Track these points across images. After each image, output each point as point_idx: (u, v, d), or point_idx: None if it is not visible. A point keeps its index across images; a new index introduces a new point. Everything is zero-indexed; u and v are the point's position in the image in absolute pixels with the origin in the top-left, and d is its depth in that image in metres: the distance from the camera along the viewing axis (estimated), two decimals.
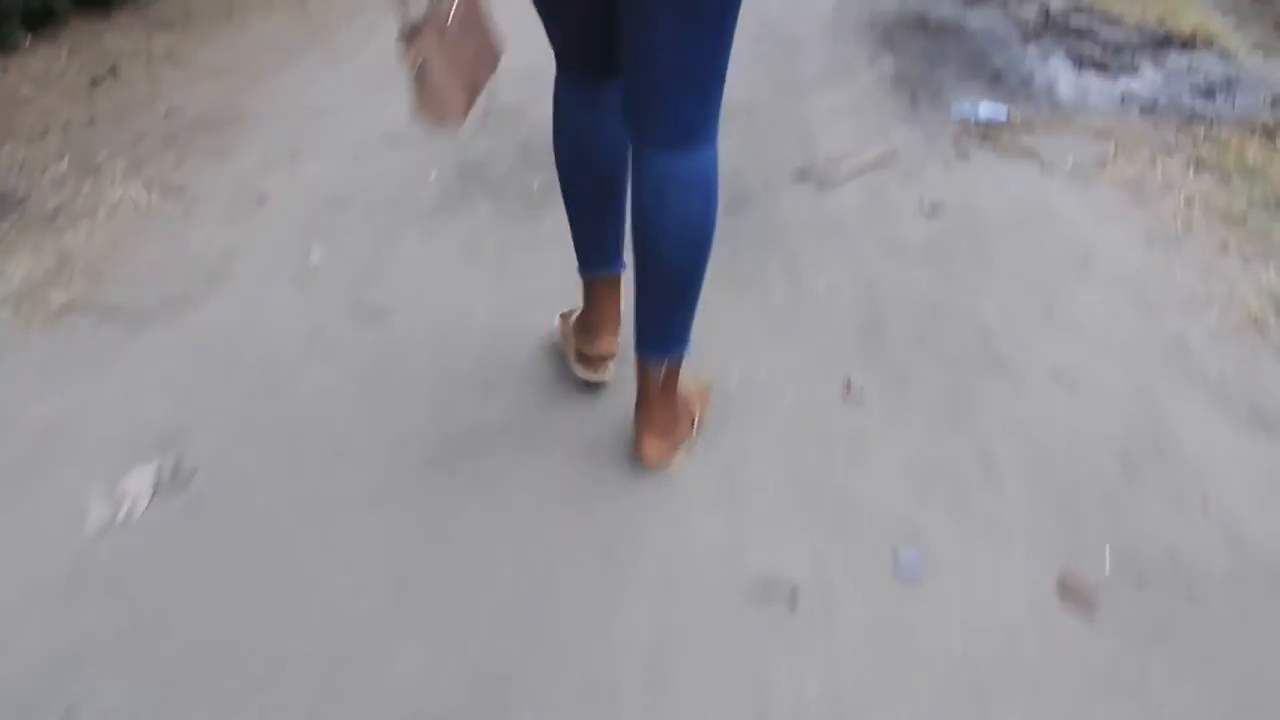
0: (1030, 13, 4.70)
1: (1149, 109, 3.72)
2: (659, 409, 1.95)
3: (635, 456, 1.99)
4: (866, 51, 4.22)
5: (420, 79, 1.55)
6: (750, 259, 2.76)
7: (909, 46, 4.27)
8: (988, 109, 3.59)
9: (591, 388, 2.27)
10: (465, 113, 1.63)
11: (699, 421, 2.10)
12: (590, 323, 2.16)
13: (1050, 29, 4.48)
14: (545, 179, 3.25)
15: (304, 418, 2.23)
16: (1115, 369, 2.34)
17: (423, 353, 2.45)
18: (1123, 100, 3.78)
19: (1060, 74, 3.99)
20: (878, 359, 2.35)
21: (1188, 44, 4.39)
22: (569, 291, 2.55)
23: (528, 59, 4.01)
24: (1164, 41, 4.41)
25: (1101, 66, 4.08)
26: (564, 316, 2.39)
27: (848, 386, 2.24)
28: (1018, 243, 2.83)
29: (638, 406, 1.97)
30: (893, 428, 2.15)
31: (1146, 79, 3.99)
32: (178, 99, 4.20)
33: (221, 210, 3.21)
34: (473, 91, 1.66)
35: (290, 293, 2.74)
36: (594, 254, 2.09)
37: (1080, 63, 4.12)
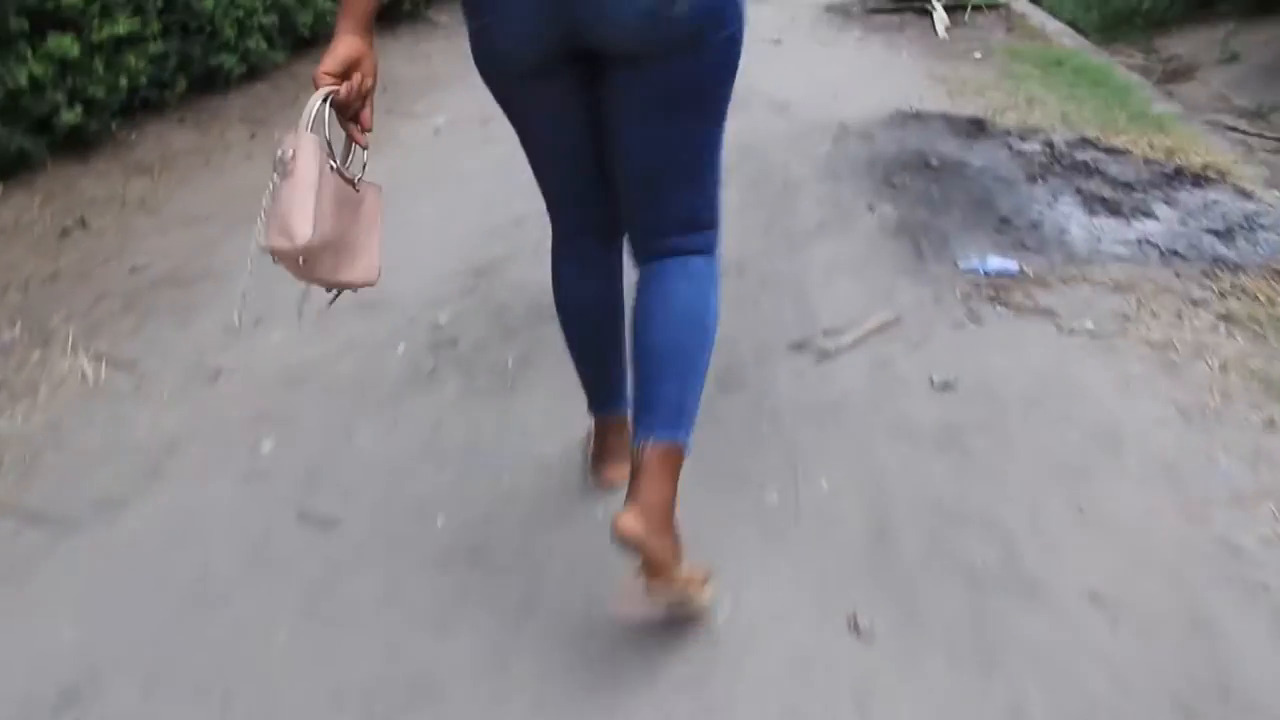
0: (1034, 147, 4.48)
1: (1168, 255, 3.47)
2: (648, 489, 1.70)
3: (616, 530, 1.62)
4: (866, 195, 3.99)
5: (283, 184, 1.57)
6: (742, 450, 2.47)
7: (911, 189, 4.04)
8: (997, 262, 3.33)
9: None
10: (304, 254, 1.57)
11: (696, 587, 1.83)
12: (600, 455, 2.27)
13: (1056, 165, 4.26)
14: (521, 351, 2.99)
15: (234, 654, 1.93)
16: (1161, 586, 2.03)
17: (375, 571, 2.16)
18: (1139, 245, 3.53)
19: (1071, 217, 3.74)
20: (889, 581, 2.04)
21: (1200, 179, 4.16)
22: (541, 496, 2.28)
23: (504, 215, 3.82)
24: (1175, 177, 4.18)
25: (1113, 207, 3.84)
26: (588, 436, 2.37)
27: (854, 623, 1.93)
28: (1039, 423, 2.54)
29: (631, 483, 1.72)
30: (908, 672, 1.83)
31: (1162, 220, 3.74)
32: (146, 252, 4.00)
33: (172, 388, 2.95)
34: (326, 261, 1.65)
35: (235, 492, 2.46)
36: (599, 395, 2.20)
37: (1090, 203, 3.88)
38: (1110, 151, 4.46)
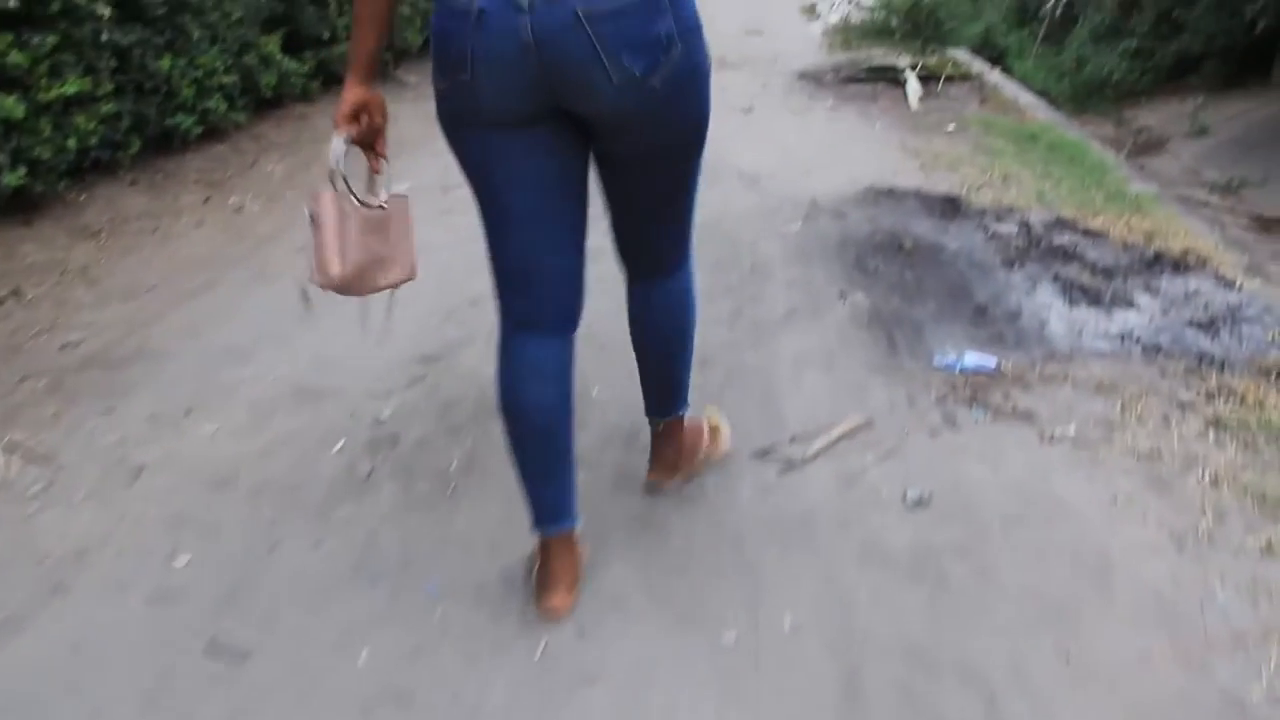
0: (1011, 228, 4.32)
1: (1151, 351, 3.28)
2: (667, 450, 2.42)
3: (647, 479, 2.48)
4: (838, 281, 3.80)
5: (314, 233, 1.86)
6: (699, 578, 2.24)
7: (884, 274, 3.85)
8: (974, 358, 3.14)
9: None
10: (331, 278, 1.87)
11: (704, 456, 2.56)
12: (544, 581, 2.08)
13: (1033, 249, 4.09)
14: (465, 452, 2.76)
15: None
16: None
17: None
18: (1122, 340, 3.35)
19: (1050, 308, 3.56)
20: None
21: (1180, 265, 4.00)
22: (478, 628, 2.05)
23: (460, 294, 3.60)
24: (1155, 262, 4.02)
25: (1093, 296, 3.66)
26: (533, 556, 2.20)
27: None
28: (1021, 548, 2.32)
29: (653, 446, 2.45)
30: None
31: (1143, 310, 3.57)
32: (80, 326, 3.75)
33: (88, 487, 2.70)
34: (364, 278, 1.92)
35: (141, 615, 2.21)
36: (544, 502, 2.04)
37: (1070, 291, 3.70)
38: (1088, 234, 4.30)
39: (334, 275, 1.87)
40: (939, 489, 2.51)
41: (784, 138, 5.94)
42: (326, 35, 7.11)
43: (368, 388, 3.17)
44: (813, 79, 7.88)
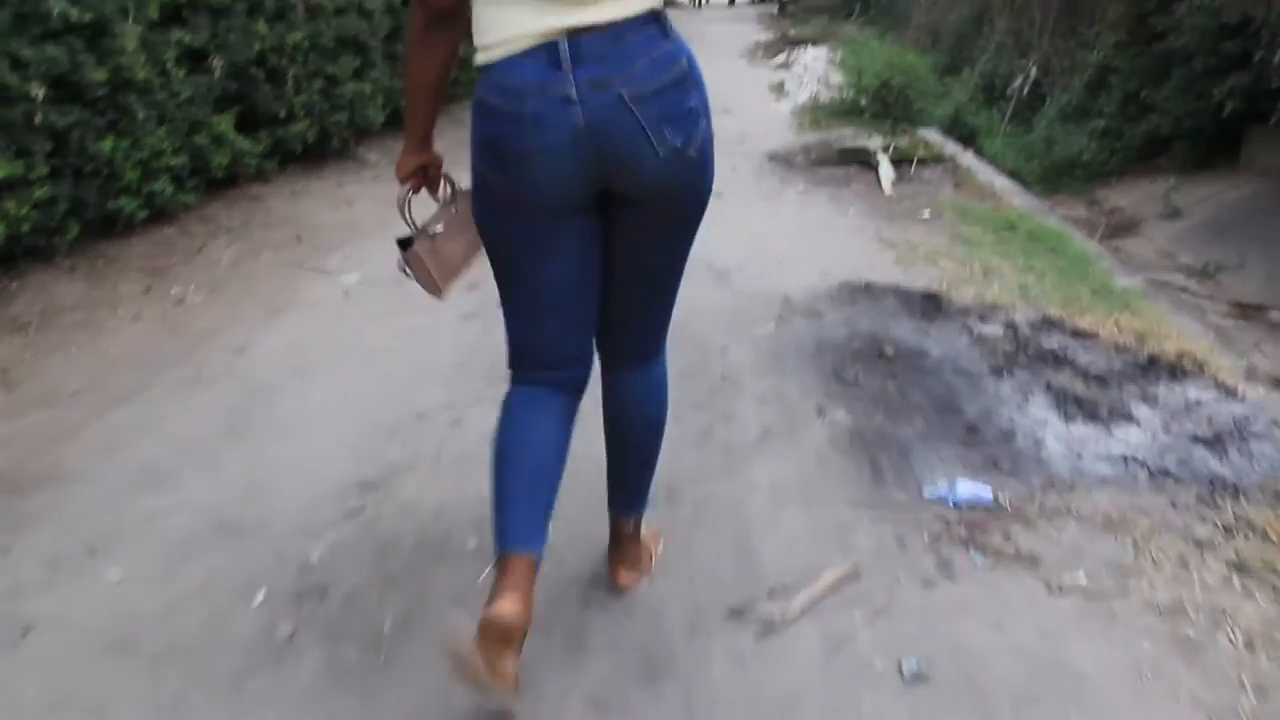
0: (996, 330, 4.04)
1: (1158, 475, 2.99)
2: (629, 550, 2.40)
3: (612, 583, 2.42)
4: (815, 394, 3.49)
5: (416, 271, 2.16)
6: None
7: (865, 386, 3.55)
8: (968, 489, 2.83)
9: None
10: (447, 289, 2.20)
11: (656, 556, 2.53)
12: (499, 590, 1.79)
13: (1022, 354, 3.81)
14: (401, 610, 2.41)
15: None
16: None
17: None
18: (1126, 463, 3.05)
19: (1045, 425, 3.27)
20: None
21: (1176, 370, 3.73)
22: None
23: (406, 406, 3.27)
24: (1150, 368, 3.75)
25: (1090, 410, 3.38)
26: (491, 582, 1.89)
27: None
28: None
29: (611, 549, 2.43)
30: None
31: (1144, 426, 3.29)
32: None
33: None
34: (457, 272, 2.22)
35: None
36: (515, 526, 1.91)
37: (1064, 404, 3.42)
38: (1077, 335, 4.03)
39: (443, 295, 2.22)
40: (938, 657, 2.18)
41: (755, 226, 5.67)
42: (282, 113, 6.81)
43: (298, 521, 2.82)
44: (783, 161, 7.64)
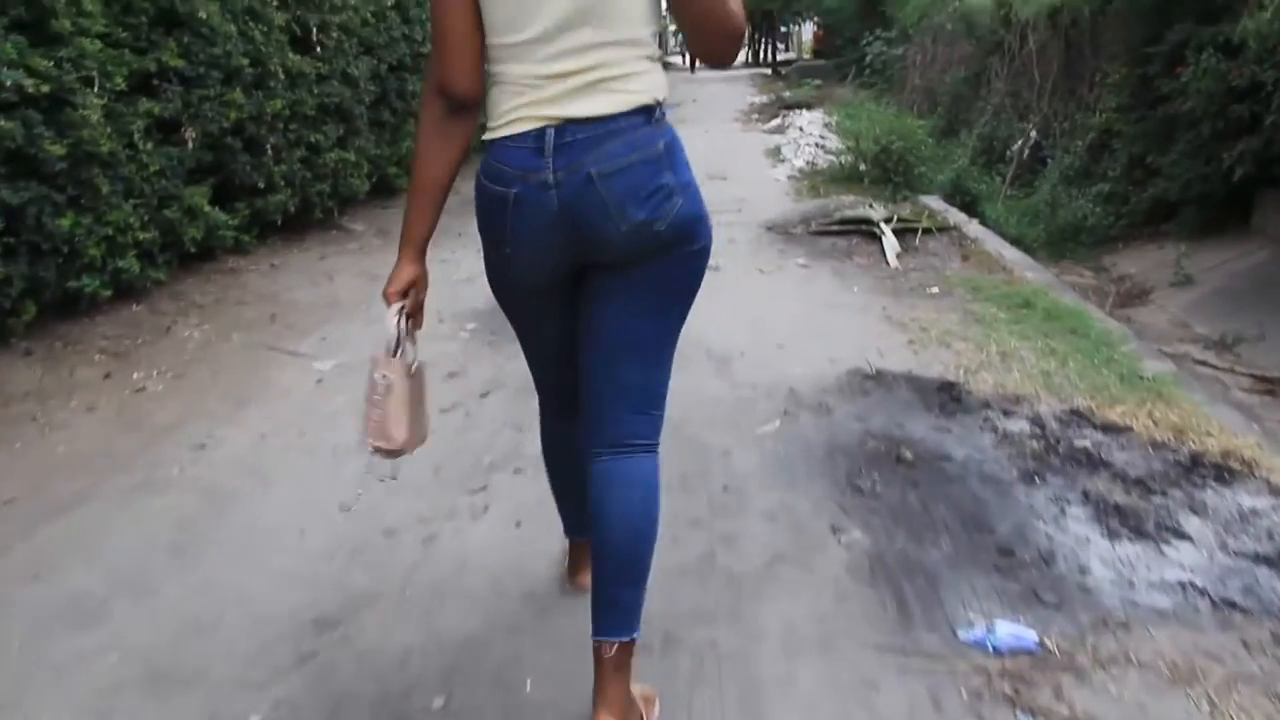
0: (1022, 426, 3.67)
1: (1223, 606, 2.61)
2: (613, 688, 2.02)
3: None
4: (829, 510, 3.10)
5: (379, 406, 2.01)
6: None
7: (883, 497, 3.17)
8: (1008, 631, 2.44)
9: None
10: (400, 450, 2.05)
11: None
12: (577, 565, 2.64)
13: (1053, 455, 3.44)
14: None
15: None
16: None
17: None
18: (1183, 591, 2.67)
19: (1088, 544, 2.90)
20: None
21: (1224, 472, 3.37)
22: None
23: (374, 521, 2.90)
24: (1193, 468, 3.39)
25: (1135, 523, 3.01)
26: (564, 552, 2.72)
27: None
28: None
29: (596, 687, 2.03)
30: None
31: (1198, 543, 2.92)
32: None
33: None
34: (411, 438, 2.07)
35: None
36: (574, 524, 2.57)
37: (1105, 516, 3.05)
38: (1109, 430, 3.67)
39: (399, 441, 2.02)
40: None
41: (755, 305, 5.33)
42: (262, 184, 6.49)
43: (241, 669, 2.43)
44: (782, 231, 7.32)
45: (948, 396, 3.96)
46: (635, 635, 2.04)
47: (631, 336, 2.01)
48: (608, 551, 2.03)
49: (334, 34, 7.26)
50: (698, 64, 33.96)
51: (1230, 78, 7.78)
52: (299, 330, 5.26)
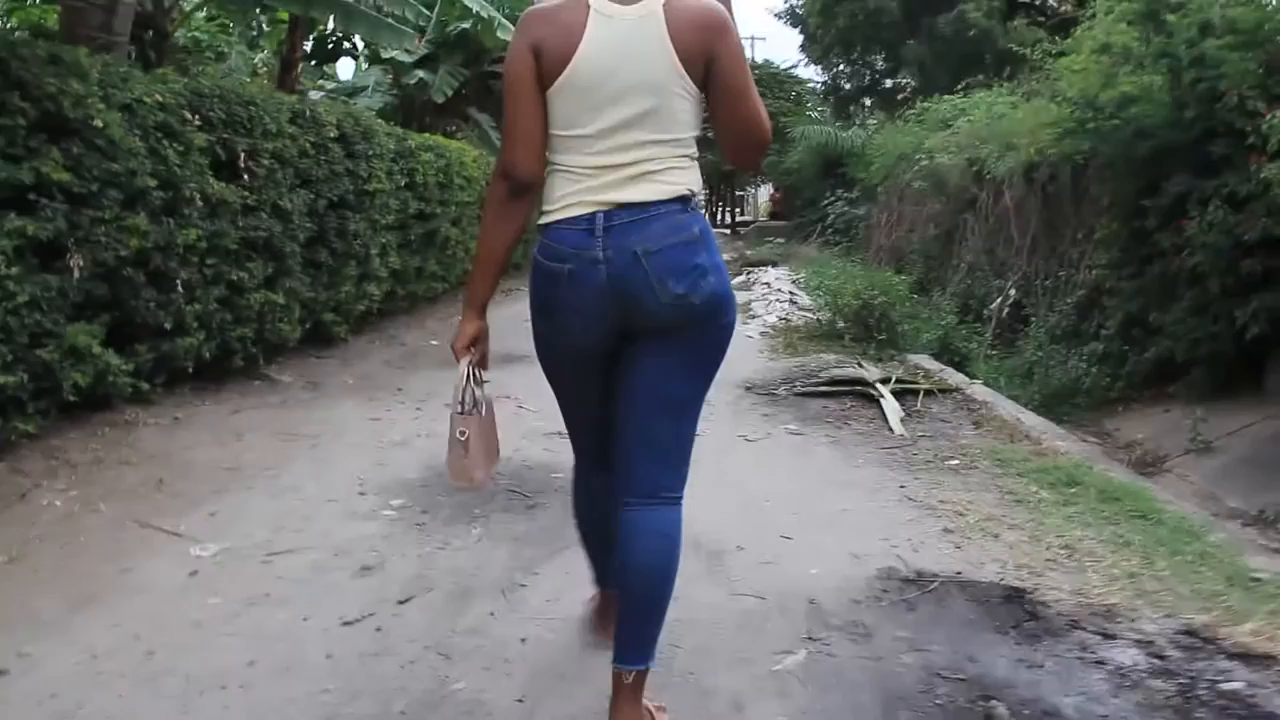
0: (1134, 657, 2.66)
1: None
2: (629, 709, 2.20)
3: None
4: None
5: (463, 449, 2.27)
6: None
7: None
8: None
9: None
10: (479, 487, 2.43)
11: None
12: (603, 614, 2.68)
13: (1190, 703, 2.39)
14: None
15: None
16: None
17: None
18: None
19: None
20: None
21: None
22: None
23: None
24: None
25: None
26: (592, 599, 2.83)
27: None
28: None
29: (612, 709, 2.21)
30: None
31: None
32: None
33: None
34: (487, 473, 2.37)
35: None
36: (602, 574, 2.68)
37: None
38: (1250, 661, 2.65)
39: (478, 480, 2.33)
40: None
41: (747, 483, 4.30)
42: (169, 324, 5.43)
43: None
44: (763, 392, 6.35)
45: (1021, 611, 2.93)
46: (651, 664, 2.22)
47: (665, 398, 2.22)
48: (632, 592, 2.22)
49: (266, 161, 6.32)
50: None
51: (1239, 230, 7.05)
52: (186, 501, 4.14)
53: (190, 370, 5.87)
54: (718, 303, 2.15)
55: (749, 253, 18.77)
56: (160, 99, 5.34)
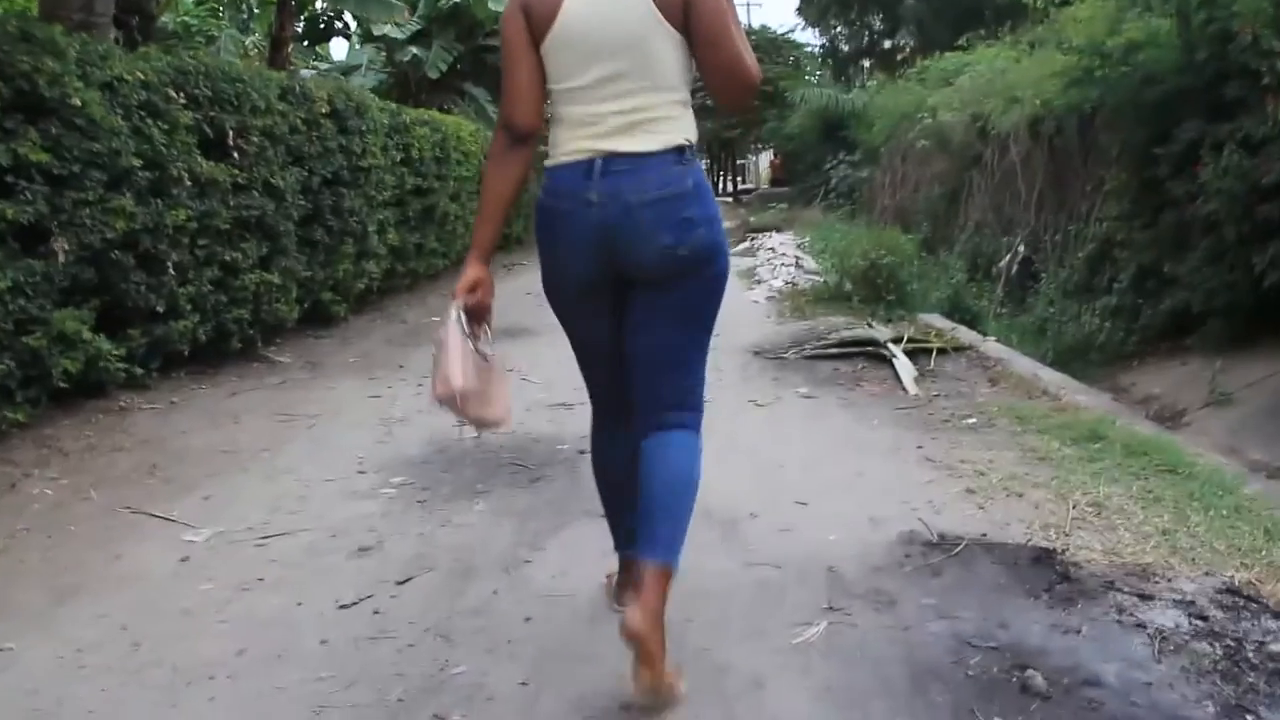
0: (1174, 618, 2.49)
1: None
2: (651, 596, 2.12)
3: (623, 626, 2.06)
4: None
5: (439, 352, 2.29)
6: None
7: None
8: None
9: None
10: (460, 398, 2.26)
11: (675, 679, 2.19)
12: (622, 583, 2.54)
13: (1240, 665, 2.24)
14: None
15: None
16: None
17: None
18: None
19: None
20: None
21: None
22: None
23: None
24: None
25: None
26: (609, 577, 2.70)
27: None
28: None
29: (639, 599, 2.13)
30: None
31: None
32: None
33: None
34: (472, 401, 2.28)
35: None
36: (623, 538, 2.54)
37: None
38: None
39: (455, 386, 2.23)
40: None
41: (758, 447, 4.13)
42: (161, 308, 5.27)
43: None
44: (772, 356, 6.17)
45: (1052, 573, 2.76)
46: (672, 564, 2.21)
47: (665, 348, 2.33)
48: (657, 500, 2.27)
49: (255, 139, 6.13)
50: None
51: (1255, 175, 6.83)
52: (179, 486, 3.99)
53: (186, 354, 5.73)
54: (708, 253, 2.25)
55: (752, 219, 18.53)
56: (143, 76, 5.16)
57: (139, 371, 5.24)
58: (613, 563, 2.67)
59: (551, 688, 2.30)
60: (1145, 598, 2.61)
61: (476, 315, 2.34)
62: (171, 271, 5.35)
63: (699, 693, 2.20)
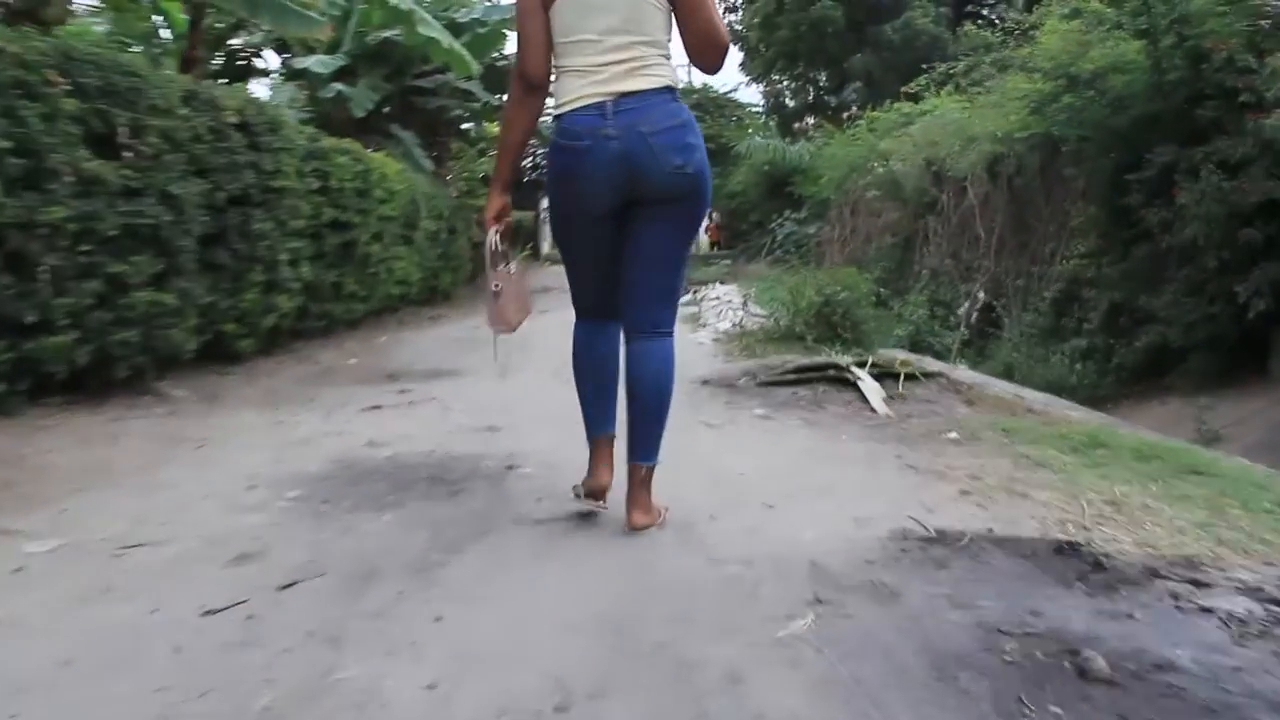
0: (1238, 601, 2.10)
1: None
2: (641, 496, 2.82)
3: (626, 524, 2.79)
4: None
5: (495, 299, 2.97)
6: None
7: None
8: None
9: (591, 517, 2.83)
10: (515, 328, 3.04)
11: (663, 518, 2.88)
12: (593, 467, 2.95)
13: None
14: None
15: None
16: None
17: None
18: None
19: None
20: None
21: None
22: None
23: None
24: None
25: None
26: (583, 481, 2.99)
27: None
28: None
29: (628, 495, 2.83)
30: None
31: None
32: None
33: None
34: (520, 319, 3.07)
35: None
36: (597, 420, 2.99)
37: None
38: None
39: (514, 323, 3.03)
40: None
41: (713, 461, 3.70)
42: (33, 318, 4.73)
43: None
44: (723, 384, 5.77)
45: (1080, 563, 2.35)
46: (656, 461, 2.83)
47: (663, 254, 2.85)
48: (640, 400, 2.83)
49: (153, 140, 5.66)
50: None
51: (1237, 197, 6.65)
52: (34, 501, 3.46)
53: (63, 379, 5.15)
54: (703, 175, 2.77)
55: (694, 275, 18.29)
56: (18, 52, 4.70)
57: (2, 388, 4.68)
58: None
59: (465, 689, 1.83)
60: (1200, 585, 2.22)
61: (505, 236, 2.97)
62: (46, 277, 4.83)
63: (661, 689, 1.74)
